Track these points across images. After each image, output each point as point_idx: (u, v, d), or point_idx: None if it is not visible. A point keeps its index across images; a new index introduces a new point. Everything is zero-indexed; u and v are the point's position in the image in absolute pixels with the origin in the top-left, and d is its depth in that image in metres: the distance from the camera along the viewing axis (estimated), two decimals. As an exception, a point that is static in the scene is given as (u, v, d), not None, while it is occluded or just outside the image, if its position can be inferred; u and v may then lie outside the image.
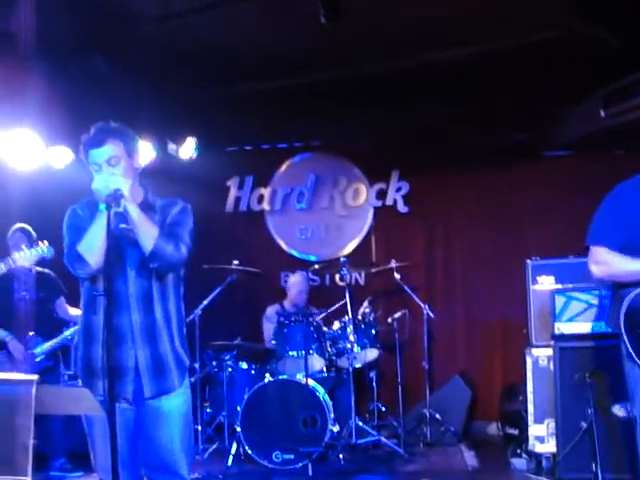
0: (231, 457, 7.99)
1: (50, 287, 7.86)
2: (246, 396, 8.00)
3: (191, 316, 8.46)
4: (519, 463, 7.67)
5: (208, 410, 9.04)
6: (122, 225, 4.08)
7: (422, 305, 9.42)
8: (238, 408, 8.05)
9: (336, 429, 8.08)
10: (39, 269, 7.67)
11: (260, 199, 10.90)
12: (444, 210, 10.50)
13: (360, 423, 8.33)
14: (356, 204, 10.70)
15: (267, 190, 10.90)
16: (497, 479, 7.65)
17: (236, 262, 8.94)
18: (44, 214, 7.19)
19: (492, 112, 9.24)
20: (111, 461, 3.69)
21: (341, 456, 7.92)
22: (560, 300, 6.93)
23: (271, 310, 9.43)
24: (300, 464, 7.66)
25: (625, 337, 4.73)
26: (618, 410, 6.45)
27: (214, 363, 8.94)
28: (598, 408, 6.45)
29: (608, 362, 6.58)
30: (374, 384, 9.20)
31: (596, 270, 4.94)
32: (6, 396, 3.76)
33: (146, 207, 4.26)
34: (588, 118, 8.57)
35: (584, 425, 6.51)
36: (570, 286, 7.04)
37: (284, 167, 10.95)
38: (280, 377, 8.16)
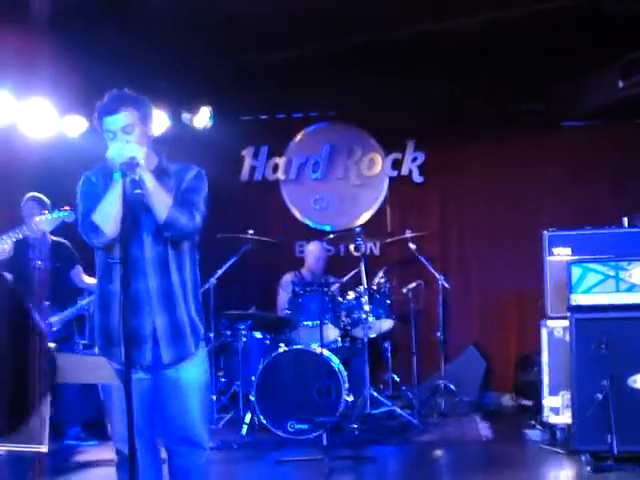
0: (245, 426, 8.01)
1: (65, 256, 7.85)
2: (261, 366, 8.02)
3: (206, 286, 8.47)
4: (533, 434, 7.69)
5: (223, 379, 9.08)
6: (137, 191, 4.05)
7: (437, 275, 9.41)
8: (252, 378, 8.06)
9: (350, 399, 8.08)
10: (55, 238, 7.66)
11: (275, 169, 10.87)
12: (459, 181, 10.45)
13: (374, 393, 8.34)
14: (371, 174, 10.66)
15: (282, 160, 10.86)
16: (511, 450, 7.63)
17: (251, 232, 8.92)
18: (58, 183, 7.18)
19: (509, 82, 9.18)
20: (127, 429, 3.69)
21: (355, 426, 7.95)
22: (576, 271, 6.88)
23: (287, 278, 9.44)
24: (314, 434, 7.68)
25: None
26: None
27: (229, 332, 8.95)
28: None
29: (624, 334, 6.59)
30: (388, 354, 9.21)
31: None
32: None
33: (160, 172, 4.24)
34: (606, 88, 8.51)
35: (599, 397, 6.50)
36: (587, 257, 6.99)
37: (299, 137, 10.90)
38: (295, 347, 8.17)
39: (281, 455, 7.38)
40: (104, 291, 4.23)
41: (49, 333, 7.47)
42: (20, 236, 6.60)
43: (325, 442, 7.12)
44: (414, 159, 10.47)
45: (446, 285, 9.43)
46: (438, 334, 9.40)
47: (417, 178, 10.47)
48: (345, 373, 8.06)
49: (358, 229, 8.90)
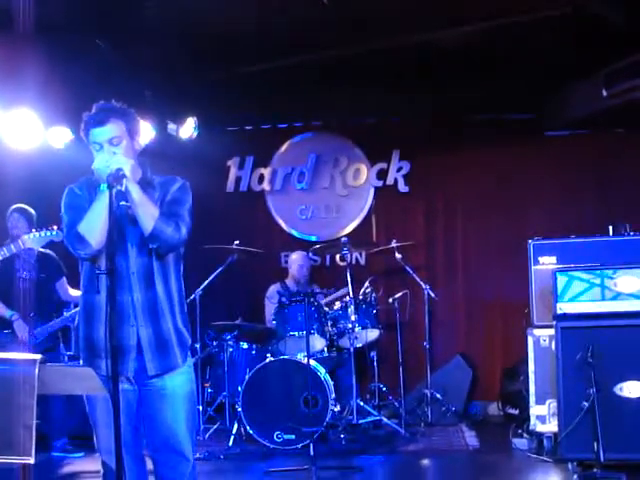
0: (232, 437, 8.00)
1: (51, 268, 7.85)
2: (247, 376, 8.01)
3: (192, 296, 8.44)
4: (520, 443, 7.69)
5: (209, 390, 9.05)
6: (123, 202, 4.04)
7: (423, 285, 9.41)
8: (239, 388, 8.06)
9: (337, 409, 8.10)
10: (41, 250, 7.64)
11: (260, 179, 10.86)
12: (445, 190, 10.47)
13: (361, 403, 8.36)
14: (357, 184, 10.66)
15: (267, 170, 10.85)
16: (498, 459, 7.64)
17: (237, 242, 8.91)
18: (43, 194, 7.18)
19: (494, 91, 9.20)
20: (115, 442, 3.68)
21: (342, 436, 7.97)
22: (562, 280, 6.90)
23: (273, 289, 9.44)
24: (301, 444, 7.68)
25: None
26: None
27: (215, 343, 8.93)
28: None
29: (610, 342, 6.61)
30: (375, 364, 9.19)
31: None
32: (9, 376, 3.74)
33: (145, 184, 4.23)
34: (590, 97, 8.54)
35: (586, 405, 6.50)
36: (572, 266, 7.01)
37: (284, 147, 10.90)
38: (281, 357, 8.17)
39: (268, 465, 7.37)
40: (89, 302, 4.22)
41: (34, 344, 7.47)
42: (7, 254, 6.63)
43: (312, 452, 7.12)
44: (399, 169, 10.47)
45: (432, 294, 9.43)
46: (424, 343, 9.40)
47: (402, 188, 10.47)
48: (332, 383, 8.07)
49: (344, 239, 8.93)
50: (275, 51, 8.22)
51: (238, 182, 10.88)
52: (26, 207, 7.70)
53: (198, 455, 7.45)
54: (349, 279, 8.54)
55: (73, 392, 4.11)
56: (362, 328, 8.47)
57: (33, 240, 6.59)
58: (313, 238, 10.62)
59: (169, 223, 4.13)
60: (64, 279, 7.95)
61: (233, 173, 10.88)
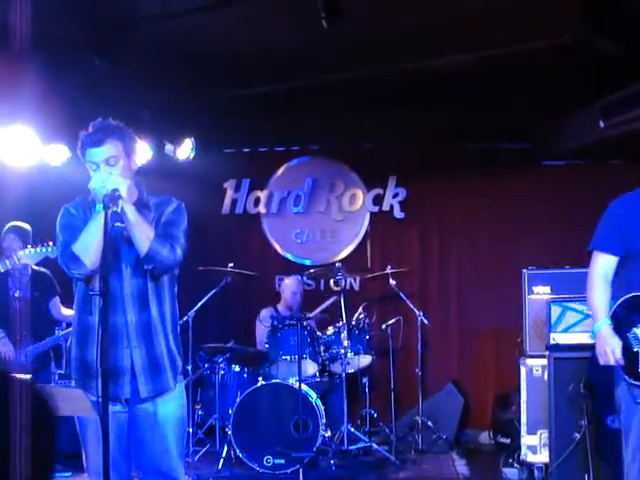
0: (222, 460, 7.96)
1: (45, 286, 7.82)
2: (238, 399, 7.99)
3: (185, 318, 8.41)
4: (511, 473, 7.64)
5: (200, 412, 9.01)
6: (118, 224, 4.04)
7: (416, 312, 9.38)
8: (230, 411, 8.03)
9: (328, 434, 8.07)
10: (35, 268, 7.61)
11: (256, 202, 10.86)
12: (440, 217, 10.48)
13: (352, 429, 8.33)
14: (352, 209, 10.67)
15: (264, 193, 10.86)
16: (488, 488, 7.63)
17: (231, 265, 8.89)
18: (40, 211, 7.17)
19: (491, 119, 9.23)
20: (103, 463, 3.65)
21: (332, 462, 7.93)
22: (556, 310, 6.90)
23: (265, 313, 9.40)
24: (291, 469, 7.64)
25: None
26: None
27: (206, 365, 8.89)
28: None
29: (603, 373, 6.58)
30: (367, 390, 9.16)
31: (588, 274, 5.21)
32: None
33: (141, 205, 4.22)
34: (587, 128, 8.55)
35: (577, 436, 6.49)
36: (566, 296, 7.00)
37: (281, 170, 10.91)
38: (273, 381, 8.14)
39: (257, 490, 7.34)
40: (82, 323, 4.21)
41: (25, 363, 7.42)
42: (2, 270, 6.60)
43: (302, 477, 7.10)
44: (395, 195, 10.49)
45: (425, 321, 9.40)
46: (417, 370, 9.37)
47: (398, 214, 10.48)
48: (323, 408, 8.05)
49: (338, 264, 8.94)
50: (274, 74, 8.23)
51: (234, 204, 10.88)
52: (21, 225, 7.67)
53: (187, 478, 7.41)
54: (342, 304, 8.52)
55: (62, 413, 4.08)
56: (354, 354, 8.46)
57: (28, 256, 6.56)
58: (308, 262, 10.62)
59: (164, 244, 4.12)
60: (57, 298, 7.92)
61: (229, 195, 10.88)
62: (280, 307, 9.64)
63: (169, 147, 9.25)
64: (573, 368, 6.65)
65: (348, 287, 10.24)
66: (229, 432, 7.92)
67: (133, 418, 4.22)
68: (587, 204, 9.74)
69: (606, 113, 8.21)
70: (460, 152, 10.14)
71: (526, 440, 7.33)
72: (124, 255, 4.18)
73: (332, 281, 10.30)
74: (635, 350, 4.89)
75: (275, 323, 8.44)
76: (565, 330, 6.85)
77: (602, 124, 8.25)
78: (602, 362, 4.91)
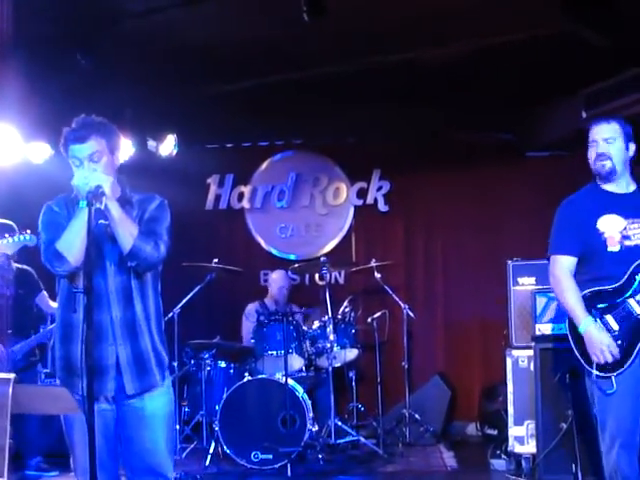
0: (209, 457, 7.94)
1: (29, 283, 7.79)
2: (225, 395, 7.97)
3: (170, 314, 8.37)
4: (498, 464, 7.65)
5: (186, 409, 8.97)
6: (101, 221, 4.03)
7: (402, 305, 9.37)
8: (217, 407, 8.01)
9: (315, 429, 8.06)
10: (18, 266, 7.59)
11: (240, 197, 10.85)
12: (425, 210, 10.48)
13: (339, 423, 8.31)
14: (337, 203, 10.67)
15: (247, 188, 10.84)
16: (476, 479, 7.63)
17: (216, 260, 8.87)
18: (22, 209, 7.12)
19: (474, 111, 9.22)
20: (89, 462, 3.64)
21: (320, 456, 7.90)
22: (541, 301, 6.91)
23: (251, 308, 9.40)
24: (279, 464, 7.63)
25: (571, 340, 5.14)
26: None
27: (192, 362, 8.86)
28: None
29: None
30: (353, 384, 9.17)
31: (551, 281, 5.29)
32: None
33: (124, 202, 4.20)
34: (570, 119, 8.57)
35: (564, 426, 6.51)
36: (551, 287, 7.00)
37: (265, 165, 10.90)
38: (259, 376, 8.13)
39: (245, 485, 7.33)
40: (66, 321, 4.19)
41: (12, 362, 7.39)
42: None
43: (289, 472, 7.10)
44: (379, 188, 10.49)
45: (411, 314, 9.39)
46: (403, 363, 9.37)
47: (382, 207, 10.48)
48: (309, 403, 8.04)
49: (323, 258, 8.92)
50: (256, 69, 8.21)
51: (218, 200, 10.86)
52: (6, 222, 7.63)
53: (175, 475, 7.37)
54: (328, 298, 8.52)
55: (48, 412, 4.08)
56: (341, 348, 8.45)
57: (7, 245, 6.52)
58: (292, 257, 10.61)
59: (148, 241, 4.11)
60: (44, 292, 7.89)
61: (213, 191, 10.86)
62: (267, 301, 9.65)
63: (152, 143, 9.24)
64: (559, 358, 6.65)
65: (333, 281, 10.25)
66: (216, 428, 7.90)
67: (120, 415, 4.20)
68: (571, 195, 9.81)
69: (589, 103, 8.22)
70: (443, 144, 10.13)
71: (513, 431, 7.34)
72: (108, 252, 4.17)
73: (317, 275, 10.30)
74: None
75: (261, 318, 8.42)
76: (550, 321, 6.86)
77: (584, 114, 8.27)
78: (601, 361, 4.89)
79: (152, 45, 7.50)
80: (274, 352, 8.20)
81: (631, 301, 4.94)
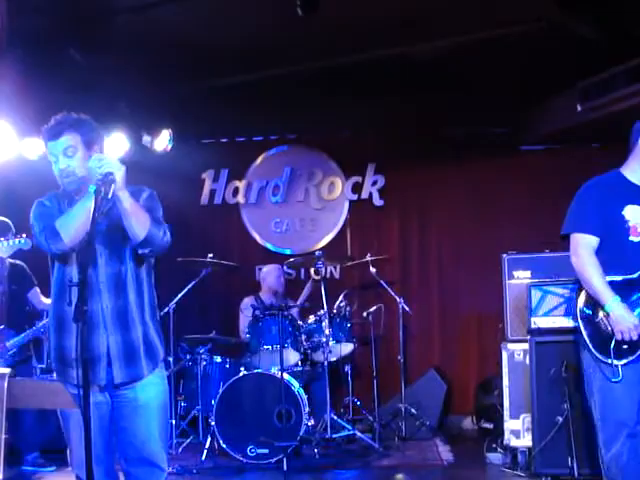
0: (205, 451, 7.93)
1: (21, 278, 7.78)
2: (221, 390, 7.96)
3: (165, 309, 8.38)
4: (494, 457, 7.66)
5: (182, 404, 8.97)
6: (101, 213, 4.02)
7: (397, 299, 9.38)
8: (212, 402, 8.01)
9: (311, 423, 8.06)
10: (11, 261, 7.57)
11: (235, 192, 10.85)
12: (420, 204, 10.49)
13: (335, 417, 8.31)
14: (331, 197, 10.67)
15: (242, 183, 10.84)
16: (472, 473, 7.61)
17: (211, 255, 8.86)
18: (17, 205, 7.11)
19: (470, 105, 9.23)
20: (85, 454, 3.63)
21: (316, 450, 7.89)
22: (536, 294, 6.90)
23: (247, 301, 9.39)
24: (275, 458, 7.62)
25: (581, 325, 5.08)
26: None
27: (188, 357, 8.86)
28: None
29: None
30: (349, 378, 9.17)
31: (573, 260, 5.17)
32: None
33: None
34: (565, 112, 8.58)
35: (560, 420, 6.51)
36: (546, 280, 7.01)
37: (259, 160, 10.89)
38: (255, 371, 8.12)
39: (241, 480, 7.33)
40: (59, 312, 4.20)
41: (6, 357, 7.39)
42: None
43: (285, 467, 7.08)
44: (374, 182, 10.50)
45: (407, 308, 9.40)
46: (399, 357, 9.37)
47: (377, 201, 10.49)
48: (305, 397, 8.03)
49: (318, 252, 8.89)
50: (251, 64, 8.22)
51: (213, 195, 10.86)
52: (3, 218, 7.62)
53: (171, 469, 7.39)
54: (323, 293, 8.51)
55: (43, 407, 4.07)
56: (336, 342, 8.45)
57: (1, 249, 6.52)
58: (287, 251, 10.61)
59: (159, 228, 4.14)
60: (36, 288, 7.88)
61: (208, 186, 10.86)
62: (263, 295, 9.64)
63: (146, 138, 9.22)
64: (554, 352, 6.67)
65: (328, 275, 10.26)
66: (212, 423, 7.90)
67: (115, 406, 4.21)
68: (566, 188, 9.81)
69: (584, 97, 8.23)
70: (439, 138, 10.13)
71: (509, 425, 7.34)
72: (98, 243, 4.17)
73: (312, 270, 10.29)
74: (609, 329, 4.94)
75: (257, 313, 8.42)
76: (546, 314, 6.85)
77: (580, 107, 8.27)
78: (626, 338, 4.85)
79: (146, 40, 7.50)
80: (270, 347, 8.20)
81: None
